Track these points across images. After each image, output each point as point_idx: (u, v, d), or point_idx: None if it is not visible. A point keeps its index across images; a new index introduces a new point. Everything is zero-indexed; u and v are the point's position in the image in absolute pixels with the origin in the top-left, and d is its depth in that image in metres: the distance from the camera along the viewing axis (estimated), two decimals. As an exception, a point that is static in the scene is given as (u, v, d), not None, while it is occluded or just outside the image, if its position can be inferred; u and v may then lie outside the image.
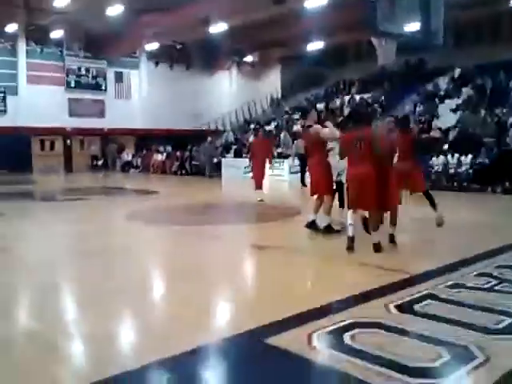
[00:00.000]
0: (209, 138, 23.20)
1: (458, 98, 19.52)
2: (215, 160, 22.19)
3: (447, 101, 19.68)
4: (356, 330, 3.59)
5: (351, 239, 6.18)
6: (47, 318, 4.13)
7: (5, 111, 25.01)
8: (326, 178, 7.38)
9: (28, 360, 3.29)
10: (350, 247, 6.16)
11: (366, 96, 23.93)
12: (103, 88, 28.20)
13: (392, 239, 6.52)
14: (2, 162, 22.57)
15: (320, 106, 22.98)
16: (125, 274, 5.61)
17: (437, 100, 20.11)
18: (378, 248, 6.10)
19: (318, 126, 7.46)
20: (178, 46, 25.48)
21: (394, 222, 6.59)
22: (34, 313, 4.44)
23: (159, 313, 4.37)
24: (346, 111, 23.27)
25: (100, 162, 28.56)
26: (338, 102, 24.81)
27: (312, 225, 7.52)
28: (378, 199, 6.05)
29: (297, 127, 19.26)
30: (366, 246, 6.12)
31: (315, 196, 7.51)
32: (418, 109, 19.95)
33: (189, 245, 7.26)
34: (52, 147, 27.48)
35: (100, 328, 3.87)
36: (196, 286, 5.03)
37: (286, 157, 18.35)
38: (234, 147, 23.71)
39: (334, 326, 3.69)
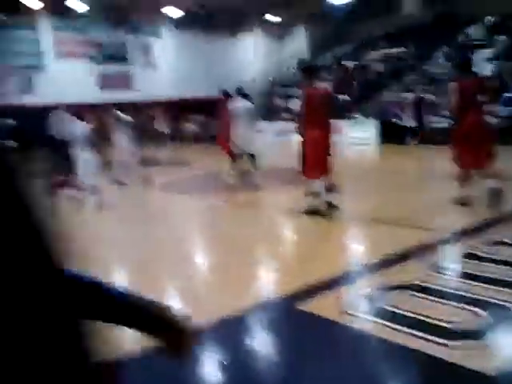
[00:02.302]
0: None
1: (492, 47, 18.66)
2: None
3: (481, 50, 18.85)
4: (392, 293, 3.51)
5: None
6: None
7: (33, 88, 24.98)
8: None
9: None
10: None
11: (394, 50, 23.11)
12: (127, 58, 28.02)
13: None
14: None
15: (348, 63, 22.34)
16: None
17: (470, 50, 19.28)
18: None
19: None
20: (200, 11, 24.95)
21: None
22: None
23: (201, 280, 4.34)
24: (378, 67, 22.67)
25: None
26: (366, 58, 24.11)
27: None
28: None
29: None
30: (399, 208, 5.93)
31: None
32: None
33: (227, 213, 7.26)
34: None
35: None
36: (232, 253, 5.03)
37: None
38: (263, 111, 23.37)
39: (367, 290, 3.62)
